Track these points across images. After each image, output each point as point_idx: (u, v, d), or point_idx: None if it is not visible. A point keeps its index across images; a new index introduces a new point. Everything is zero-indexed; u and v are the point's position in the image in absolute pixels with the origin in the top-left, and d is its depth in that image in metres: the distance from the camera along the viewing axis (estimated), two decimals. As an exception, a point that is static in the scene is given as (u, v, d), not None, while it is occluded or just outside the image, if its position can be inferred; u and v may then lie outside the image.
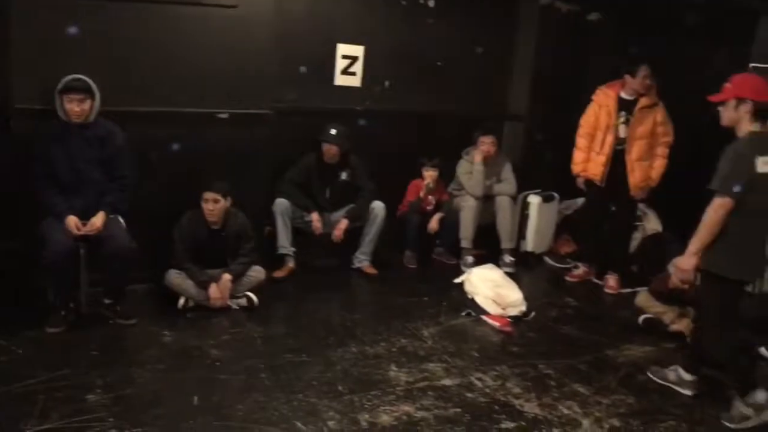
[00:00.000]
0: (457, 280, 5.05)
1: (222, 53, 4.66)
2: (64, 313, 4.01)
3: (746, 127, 3.45)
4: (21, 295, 4.15)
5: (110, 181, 4.15)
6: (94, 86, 4.02)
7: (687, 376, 3.84)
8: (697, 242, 3.46)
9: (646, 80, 5.00)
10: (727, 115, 3.50)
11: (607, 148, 5.16)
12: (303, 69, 5.34)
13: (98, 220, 4.02)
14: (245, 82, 4.77)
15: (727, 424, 3.54)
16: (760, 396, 3.52)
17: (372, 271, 5.35)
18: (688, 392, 3.81)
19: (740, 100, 3.44)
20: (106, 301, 4.18)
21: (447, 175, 5.77)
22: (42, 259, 3.89)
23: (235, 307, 4.47)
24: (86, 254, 4.10)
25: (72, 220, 3.97)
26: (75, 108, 3.96)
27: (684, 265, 3.53)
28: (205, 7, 4.56)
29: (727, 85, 3.53)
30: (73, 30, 4.22)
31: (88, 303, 4.20)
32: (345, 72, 5.53)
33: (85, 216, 4.03)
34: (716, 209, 3.39)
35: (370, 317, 4.63)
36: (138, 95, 4.48)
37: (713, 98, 3.55)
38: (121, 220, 4.17)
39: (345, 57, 5.49)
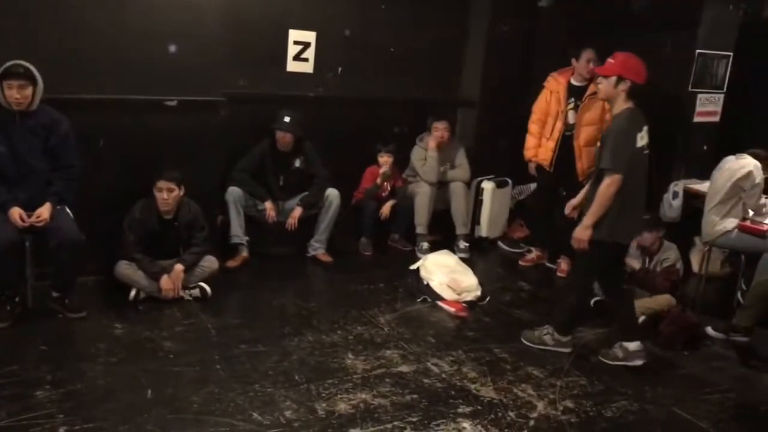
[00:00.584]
0: (413, 267, 5.07)
1: (170, 39, 4.55)
2: (9, 308, 3.89)
3: (622, 104, 3.77)
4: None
5: (56, 170, 4.02)
6: (35, 72, 3.87)
7: (632, 346, 4.01)
8: (592, 216, 3.78)
9: (590, 64, 5.06)
10: (605, 89, 3.80)
11: (556, 134, 5.23)
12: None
13: (45, 211, 3.89)
14: (194, 68, 4.65)
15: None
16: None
17: (327, 258, 5.33)
18: (639, 362, 3.98)
19: (620, 79, 3.73)
20: (54, 295, 4.05)
21: (401, 161, 5.78)
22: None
23: (187, 297, 4.40)
24: (32, 246, 3.99)
25: (16, 212, 3.85)
26: (15, 95, 3.81)
27: (581, 235, 3.82)
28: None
29: (611, 61, 3.82)
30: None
31: (35, 296, 4.09)
32: (297, 58, 5.46)
33: (29, 207, 3.90)
34: (609, 186, 3.69)
35: (326, 305, 4.62)
36: (83, 82, 4.34)
37: (598, 71, 3.91)
38: (69, 211, 4.05)
39: (297, 43, 5.42)
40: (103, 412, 3.13)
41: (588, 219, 3.79)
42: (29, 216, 3.87)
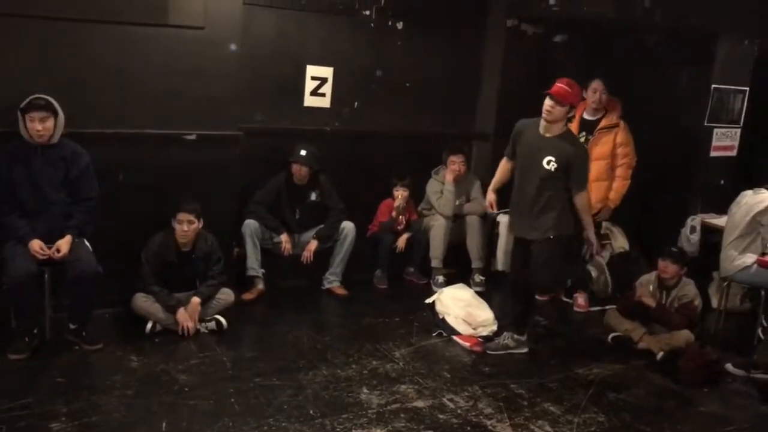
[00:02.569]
0: (428, 300, 5.05)
1: (189, 74, 4.63)
2: (27, 339, 3.91)
3: (562, 125, 4.27)
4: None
5: (75, 203, 4.08)
6: (56, 105, 3.96)
7: (521, 338, 4.49)
8: (590, 225, 4.44)
9: (597, 94, 5.08)
10: (560, 114, 4.18)
11: None
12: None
13: (64, 244, 3.94)
14: (213, 103, 4.73)
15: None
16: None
17: (342, 291, 5.33)
18: (524, 349, 4.49)
19: (572, 106, 4.22)
20: (72, 327, 4.08)
21: (416, 194, 5.79)
22: (3, 284, 3.81)
23: (203, 330, 4.41)
24: (50, 278, 4.03)
25: (36, 244, 3.90)
26: (37, 127, 3.88)
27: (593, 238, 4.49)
28: (172, 28, 4.53)
29: (568, 89, 4.16)
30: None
31: (53, 328, 4.12)
32: (314, 93, 5.53)
33: (48, 239, 3.95)
34: (585, 199, 4.35)
35: (341, 339, 4.60)
36: (104, 117, 4.42)
37: (558, 95, 4.15)
38: (87, 244, 4.09)
39: (314, 78, 5.49)
40: (117, 446, 3.14)
41: (590, 228, 4.43)
42: (48, 248, 3.92)
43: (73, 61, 4.30)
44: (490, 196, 4.69)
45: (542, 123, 4.26)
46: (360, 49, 5.65)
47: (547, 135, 4.26)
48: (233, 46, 4.73)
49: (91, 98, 4.35)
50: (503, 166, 4.66)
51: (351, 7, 5.52)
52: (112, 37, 4.39)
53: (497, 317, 4.82)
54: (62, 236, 3.97)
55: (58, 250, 3.92)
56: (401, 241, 5.56)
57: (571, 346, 4.70)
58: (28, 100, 3.89)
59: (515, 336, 4.50)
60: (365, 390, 3.86)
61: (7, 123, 4.01)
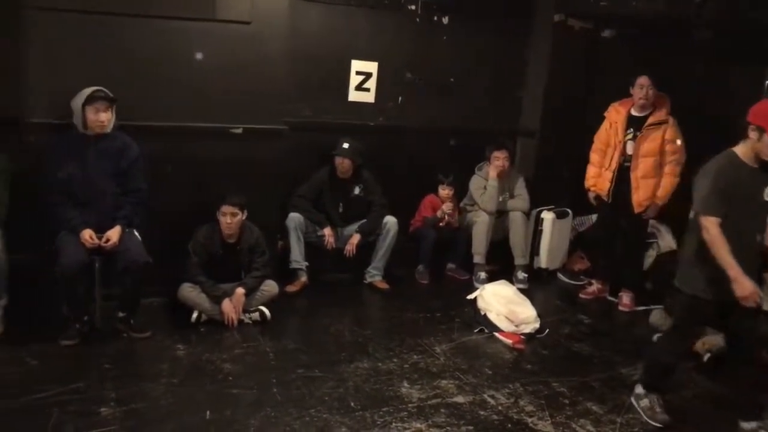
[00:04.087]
0: (470, 296, 5.03)
1: (236, 69, 4.70)
2: (78, 326, 4.03)
3: None
4: (36, 308, 4.17)
5: (125, 194, 4.18)
6: (113, 96, 4.07)
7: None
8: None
9: (644, 90, 4.98)
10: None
11: (614, 165, 5.16)
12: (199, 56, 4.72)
13: (114, 234, 4.04)
14: (259, 97, 4.79)
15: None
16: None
17: (384, 286, 5.35)
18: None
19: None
20: (120, 315, 4.19)
21: (459, 191, 5.77)
22: (56, 272, 3.91)
23: (247, 321, 4.48)
24: (101, 267, 4.13)
25: (87, 233, 4.00)
26: (101, 117, 4.01)
27: (745, 291, 3.26)
28: (220, 23, 4.60)
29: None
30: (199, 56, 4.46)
31: (103, 316, 4.22)
32: (359, 88, 5.55)
33: (99, 229, 4.05)
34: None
35: (382, 333, 4.62)
36: (153, 110, 4.52)
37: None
38: (137, 234, 4.19)
39: (359, 73, 5.52)
40: (163, 432, 3.21)
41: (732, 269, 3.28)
42: (99, 238, 4.03)
43: (123, 56, 4.40)
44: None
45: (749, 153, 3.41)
46: (405, 43, 5.65)
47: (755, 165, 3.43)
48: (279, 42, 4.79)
49: (139, 91, 4.44)
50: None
51: (397, 2, 5.53)
52: (162, 32, 4.48)
53: (539, 315, 4.78)
54: (112, 227, 4.08)
55: (108, 240, 4.02)
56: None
57: (616, 346, 4.63)
58: (88, 93, 4.00)
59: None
60: (406, 384, 3.87)
61: (61, 115, 4.13)
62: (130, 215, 4.17)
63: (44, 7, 4.15)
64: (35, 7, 4.14)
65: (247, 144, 4.83)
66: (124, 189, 4.18)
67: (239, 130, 4.79)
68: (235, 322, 4.39)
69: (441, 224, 5.58)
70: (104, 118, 4.04)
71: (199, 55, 4.61)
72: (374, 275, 5.37)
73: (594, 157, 5.35)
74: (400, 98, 5.70)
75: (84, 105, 4.00)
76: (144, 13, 4.40)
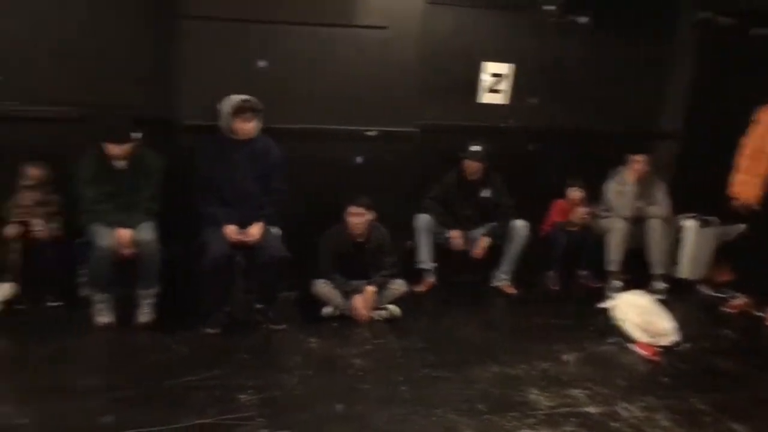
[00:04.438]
0: (604, 305, 4.87)
1: (372, 73, 4.82)
2: (220, 316, 4.28)
3: None
4: (183, 298, 4.48)
5: (266, 194, 4.40)
6: (260, 106, 4.29)
7: None
8: None
9: None
10: None
11: (765, 171, 4.81)
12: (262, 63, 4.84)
13: (256, 230, 4.26)
14: (392, 100, 4.89)
15: None
16: None
17: (511, 290, 5.29)
18: None
19: None
20: (259, 307, 4.41)
21: (592, 195, 5.60)
22: (202, 264, 4.19)
23: (377, 318, 4.57)
24: (242, 262, 4.36)
25: (230, 229, 4.25)
26: (247, 126, 4.25)
27: None
28: (357, 28, 4.74)
29: None
30: (262, 63, 4.55)
31: (243, 308, 4.46)
32: (490, 89, 5.53)
33: (242, 225, 4.29)
34: None
35: (510, 337, 4.57)
36: (292, 113, 4.71)
37: None
38: (276, 231, 4.40)
39: (491, 75, 5.49)
40: (298, 421, 3.34)
41: None
42: (241, 233, 4.26)
43: (267, 60, 4.62)
44: None
45: None
46: (540, 44, 5.56)
47: None
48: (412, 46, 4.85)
49: (281, 96, 4.65)
50: None
51: (533, 3, 5.45)
52: (304, 38, 4.67)
53: (677, 327, 4.55)
54: (254, 223, 4.30)
55: (250, 236, 4.25)
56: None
57: (763, 363, 4.32)
58: (237, 101, 4.24)
59: None
60: (534, 390, 3.81)
61: (210, 118, 4.40)
62: (271, 213, 4.39)
63: (198, 16, 4.44)
64: (191, 16, 4.44)
65: (379, 146, 4.94)
66: (265, 189, 4.41)
67: (374, 133, 4.90)
68: (366, 318, 4.50)
69: (575, 228, 5.43)
70: (250, 128, 4.29)
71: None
72: (502, 279, 5.32)
73: (742, 162, 5.02)
74: (533, 100, 5.62)
75: (232, 114, 4.25)
76: (287, 20, 4.60)
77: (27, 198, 4.39)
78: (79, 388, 3.51)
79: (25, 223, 4.32)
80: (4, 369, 3.72)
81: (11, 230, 4.31)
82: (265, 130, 4.45)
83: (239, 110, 4.25)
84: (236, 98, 4.27)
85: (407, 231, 5.20)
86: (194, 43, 4.49)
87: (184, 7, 4.43)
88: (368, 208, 4.55)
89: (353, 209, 4.52)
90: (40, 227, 4.33)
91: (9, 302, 4.33)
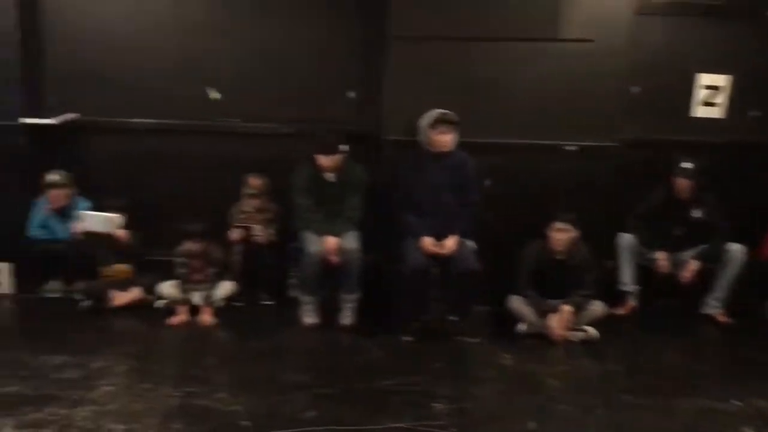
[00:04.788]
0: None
1: (574, 86, 4.72)
2: (416, 325, 4.41)
3: None
4: (382, 304, 4.67)
5: (461, 206, 4.47)
6: (457, 119, 4.39)
7: None
8: None
9: None
10: None
11: None
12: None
13: (451, 242, 4.35)
14: (594, 114, 4.76)
15: None
16: None
17: (724, 319, 4.88)
18: None
19: None
20: (453, 318, 4.48)
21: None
22: (401, 274, 4.35)
23: (573, 339, 4.45)
24: (438, 273, 4.46)
25: (427, 240, 4.37)
26: (444, 138, 4.36)
27: None
28: (560, 42, 4.67)
29: None
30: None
31: (437, 318, 4.55)
32: (705, 102, 5.17)
33: (438, 237, 4.40)
34: None
35: (720, 370, 4.24)
36: (489, 128, 4.75)
37: None
38: (471, 244, 4.45)
39: (706, 87, 5.13)
40: (489, 434, 3.36)
41: None
42: (437, 245, 4.36)
43: (467, 77, 4.73)
44: None
45: None
46: (762, 53, 5.10)
47: None
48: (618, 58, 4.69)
49: (481, 110, 4.72)
50: None
51: (754, 9, 5.02)
52: (505, 54, 4.71)
53: None
54: (449, 235, 4.39)
55: (445, 247, 4.34)
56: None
57: None
58: (436, 114, 4.37)
59: None
60: (748, 430, 3.48)
61: (410, 133, 4.57)
62: (465, 226, 4.45)
63: (404, 36, 4.65)
64: (398, 36, 4.65)
65: (579, 161, 4.83)
66: (460, 201, 4.48)
67: (574, 148, 4.80)
68: (561, 338, 4.40)
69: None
70: (447, 140, 4.39)
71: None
72: (714, 306, 4.93)
73: None
74: (755, 113, 5.16)
75: (430, 127, 4.38)
76: (491, 36, 4.66)
77: (249, 205, 4.84)
78: (286, 382, 3.80)
79: (246, 228, 4.77)
80: (224, 359, 4.11)
81: (235, 234, 4.77)
82: (464, 145, 4.53)
83: (436, 123, 4.37)
84: (434, 112, 4.40)
85: (608, 250, 5.00)
86: (400, 62, 4.70)
87: (393, 28, 4.65)
88: (574, 224, 4.45)
89: (559, 225, 4.44)
90: (259, 232, 4.75)
91: (229, 299, 4.80)
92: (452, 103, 4.49)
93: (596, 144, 4.83)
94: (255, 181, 4.85)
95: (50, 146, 4.92)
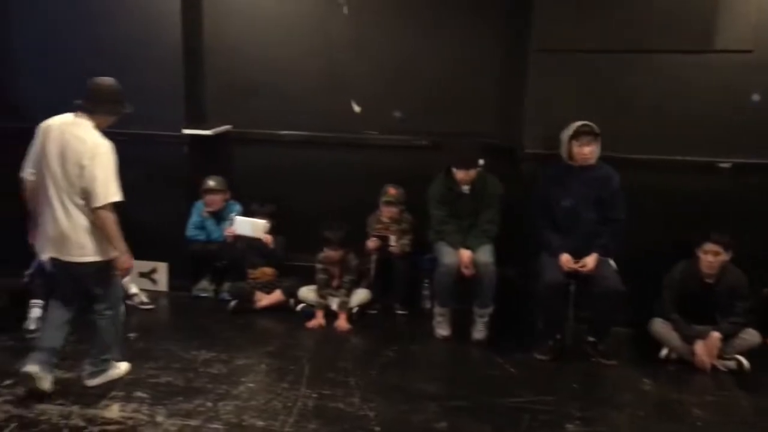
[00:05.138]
0: None
1: (728, 100, 4.45)
2: (551, 343, 4.30)
3: None
4: (516, 320, 4.62)
5: (603, 223, 4.32)
6: (598, 130, 4.26)
7: None
8: None
9: None
10: None
11: None
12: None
13: (591, 260, 4.22)
14: (751, 129, 4.45)
15: None
16: None
17: None
18: None
19: None
20: (590, 339, 4.33)
21: None
22: (536, 290, 4.27)
23: (721, 368, 4.16)
24: (576, 291, 4.34)
25: (565, 257, 4.26)
26: (585, 150, 4.24)
27: None
28: (716, 53, 4.41)
29: None
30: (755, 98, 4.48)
31: (573, 337, 4.43)
32: None
33: (576, 254, 4.27)
34: None
35: None
36: (636, 143, 4.57)
37: None
38: (612, 263, 4.29)
39: None
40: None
41: None
42: (576, 262, 4.24)
43: (613, 90, 4.59)
44: None
45: None
46: None
47: None
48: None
49: (625, 124, 4.56)
50: None
51: None
52: (653, 66, 4.52)
53: None
54: (589, 253, 4.25)
55: (585, 266, 4.21)
56: None
57: None
58: (576, 127, 4.27)
59: None
60: None
61: (550, 146, 4.49)
62: (607, 244, 4.29)
63: (547, 48, 4.57)
64: (539, 49, 4.59)
65: (734, 179, 4.52)
66: (602, 218, 4.33)
67: (727, 165, 4.51)
68: (708, 366, 4.13)
69: None
70: (588, 152, 4.25)
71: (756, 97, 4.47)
72: None
73: None
74: None
75: (570, 139, 4.28)
76: (639, 48, 4.50)
77: (385, 214, 4.94)
78: (417, 392, 3.83)
79: (382, 238, 4.87)
80: (357, 364, 4.20)
81: (372, 243, 4.89)
82: (608, 159, 4.38)
83: (577, 134, 4.25)
84: (575, 124, 4.29)
85: (766, 275, 4.64)
86: (542, 75, 4.63)
87: (535, 40, 4.60)
88: (726, 247, 4.17)
89: (709, 246, 4.18)
90: (394, 242, 4.83)
91: (364, 306, 4.91)
92: (596, 117, 4.36)
93: (754, 161, 4.51)
94: (393, 190, 4.95)
95: (206, 155, 5.28)
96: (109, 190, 3.43)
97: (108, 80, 3.58)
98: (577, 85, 4.62)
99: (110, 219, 3.45)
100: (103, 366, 3.78)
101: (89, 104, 3.50)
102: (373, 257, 4.97)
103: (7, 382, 3.79)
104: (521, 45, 4.79)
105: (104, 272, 3.61)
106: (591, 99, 4.59)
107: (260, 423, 3.45)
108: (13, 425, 3.38)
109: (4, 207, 4.99)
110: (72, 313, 3.71)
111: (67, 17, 5.11)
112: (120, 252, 3.53)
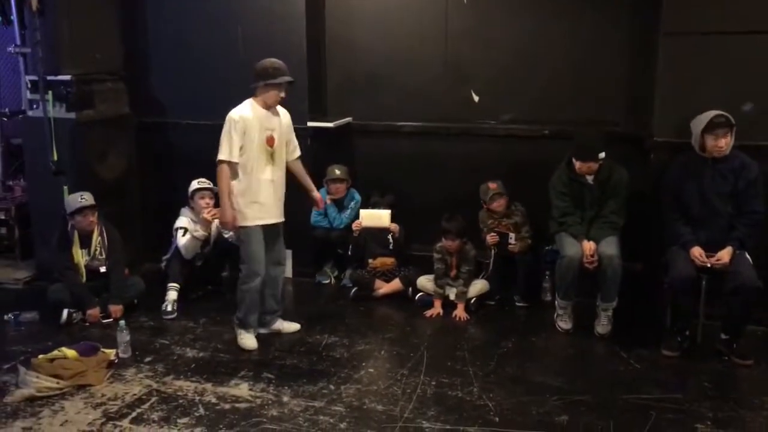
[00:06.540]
0: None
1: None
2: (679, 339, 4.13)
3: None
4: (642, 315, 4.46)
5: (739, 215, 4.09)
6: (733, 121, 4.02)
7: None
8: None
9: None
10: None
11: None
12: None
13: (725, 254, 4.00)
14: None
15: None
16: None
17: None
18: None
19: None
20: (723, 337, 4.10)
21: None
22: (665, 284, 4.11)
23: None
24: (707, 286, 4.13)
25: (697, 251, 4.06)
26: (720, 143, 4.02)
27: None
28: None
29: None
30: (747, 107, 4.30)
31: (704, 334, 4.22)
32: None
33: (709, 248, 4.06)
34: None
35: None
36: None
37: None
38: (748, 257, 4.04)
39: None
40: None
41: None
42: (709, 257, 4.03)
43: (750, 74, 4.30)
44: None
45: None
46: None
47: None
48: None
49: (762, 110, 4.27)
50: None
51: None
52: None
53: None
54: (723, 246, 4.04)
55: (719, 260, 4.00)
56: None
57: None
58: (710, 118, 4.04)
59: None
60: None
61: (682, 135, 4.28)
62: (743, 237, 4.05)
63: (678, 31, 4.35)
64: (668, 32, 4.38)
65: None
66: (738, 210, 4.10)
67: None
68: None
69: None
70: (723, 144, 4.03)
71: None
72: None
73: None
74: None
75: (703, 132, 4.06)
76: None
77: (495, 208, 4.89)
78: (538, 384, 3.79)
79: (501, 234, 4.84)
80: (475, 354, 4.19)
81: (491, 239, 4.87)
82: (745, 148, 4.13)
83: (710, 126, 4.03)
84: (708, 114, 4.06)
85: None
86: (673, 59, 4.41)
87: (665, 23, 4.39)
88: None
89: None
90: (513, 241, 4.80)
91: (482, 297, 4.89)
92: (731, 103, 4.12)
93: None
94: (493, 185, 4.89)
95: (328, 146, 5.43)
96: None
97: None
98: (710, 70, 4.36)
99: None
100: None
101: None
102: (493, 251, 4.93)
103: (148, 359, 4.09)
104: (649, 28, 4.59)
105: None
106: (725, 84, 4.32)
107: (380, 407, 3.54)
108: (153, 399, 3.65)
109: (146, 199, 5.43)
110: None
111: (196, 19, 5.39)
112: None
